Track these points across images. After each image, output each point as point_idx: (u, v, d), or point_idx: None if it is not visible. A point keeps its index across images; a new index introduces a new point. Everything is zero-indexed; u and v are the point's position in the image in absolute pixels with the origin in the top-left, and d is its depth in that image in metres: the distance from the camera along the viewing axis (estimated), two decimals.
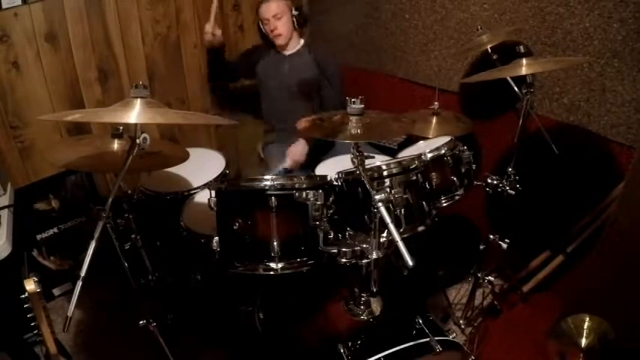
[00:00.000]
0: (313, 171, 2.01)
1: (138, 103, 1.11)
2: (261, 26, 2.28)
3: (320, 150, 2.30)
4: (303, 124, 1.34)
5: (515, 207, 1.65)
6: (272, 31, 2.22)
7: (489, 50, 1.81)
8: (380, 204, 1.08)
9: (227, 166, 2.00)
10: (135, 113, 1.07)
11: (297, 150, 2.21)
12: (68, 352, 1.79)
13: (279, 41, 2.27)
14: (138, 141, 1.14)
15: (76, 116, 1.16)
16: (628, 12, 1.62)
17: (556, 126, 1.93)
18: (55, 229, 2.18)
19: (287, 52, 2.34)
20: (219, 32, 2.36)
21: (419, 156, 1.46)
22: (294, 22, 2.25)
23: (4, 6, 1.96)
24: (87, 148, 1.44)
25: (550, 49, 1.88)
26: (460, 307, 2.00)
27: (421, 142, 1.89)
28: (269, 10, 2.19)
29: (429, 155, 1.51)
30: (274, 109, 2.40)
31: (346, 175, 1.36)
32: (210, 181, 1.39)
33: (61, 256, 2.23)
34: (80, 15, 2.19)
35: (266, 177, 1.26)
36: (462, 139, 1.68)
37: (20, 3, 2.00)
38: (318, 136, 1.29)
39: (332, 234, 1.31)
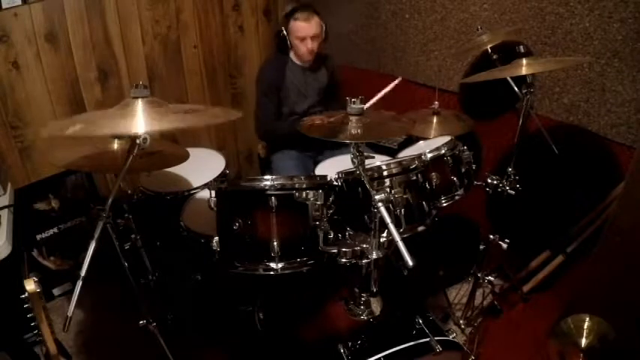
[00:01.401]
0: (313, 171, 2.01)
1: (139, 103, 1.11)
2: (289, 39, 2.15)
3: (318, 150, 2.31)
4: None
5: (515, 207, 1.65)
6: (309, 50, 2.13)
7: (489, 50, 1.81)
8: (380, 204, 1.08)
9: (227, 166, 2.00)
10: (138, 120, 1.06)
11: None
12: (68, 352, 1.79)
13: (308, 59, 2.20)
14: (138, 141, 1.13)
15: (76, 128, 1.14)
16: (628, 12, 1.62)
17: (556, 126, 1.93)
18: (55, 229, 2.18)
19: (305, 65, 2.28)
20: None
21: (419, 156, 1.46)
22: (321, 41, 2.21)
23: (4, 6, 1.96)
24: (87, 148, 1.44)
25: (550, 49, 1.88)
26: (460, 307, 2.00)
27: (421, 142, 1.89)
28: (310, 29, 2.09)
29: (429, 155, 1.51)
30: (289, 116, 2.35)
31: (346, 175, 1.36)
32: (210, 181, 1.39)
33: (61, 256, 2.23)
34: (80, 15, 2.19)
35: (266, 177, 1.26)
36: (462, 139, 1.68)
37: (20, 3, 2.00)
38: (318, 136, 1.29)
39: (332, 234, 1.30)
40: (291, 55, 2.27)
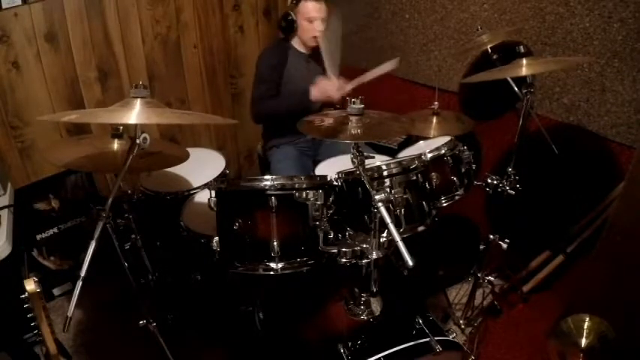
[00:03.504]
0: (313, 171, 2.01)
1: (137, 103, 1.11)
2: (297, 21, 2.13)
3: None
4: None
5: (515, 207, 1.65)
6: (317, 31, 2.10)
7: (489, 50, 1.81)
8: (380, 204, 1.08)
9: (227, 166, 2.00)
10: (133, 113, 1.07)
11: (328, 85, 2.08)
12: (68, 352, 1.79)
13: (313, 43, 2.17)
14: (138, 141, 1.13)
15: (72, 117, 1.16)
16: (628, 12, 1.62)
17: (556, 126, 1.93)
18: (55, 229, 2.18)
19: (307, 52, 2.27)
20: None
21: (419, 156, 1.46)
22: None
23: (4, 6, 1.96)
24: (87, 148, 1.43)
25: (550, 49, 1.88)
26: (460, 307, 2.00)
27: (421, 142, 1.90)
28: (320, 11, 2.10)
29: (429, 155, 1.51)
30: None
31: (346, 175, 1.36)
32: (210, 181, 1.39)
33: (61, 256, 2.23)
34: (80, 15, 2.19)
35: (266, 177, 1.26)
36: (462, 139, 1.68)
37: (20, 3, 2.00)
38: (318, 136, 1.29)
39: (332, 234, 1.31)
40: (294, 42, 2.25)
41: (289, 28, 2.16)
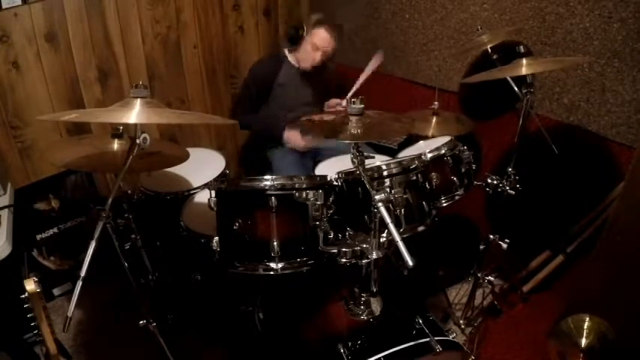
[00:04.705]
0: (313, 171, 2.01)
1: (137, 103, 1.11)
2: (305, 40, 2.16)
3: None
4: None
5: (515, 207, 1.65)
6: (314, 61, 2.16)
7: (489, 50, 1.81)
8: (380, 204, 1.08)
9: (227, 166, 2.00)
10: (133, 113, 1.07)
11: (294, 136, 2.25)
12: (68, 352, 1.79)
13: (306, 68, 2.22)
14: (138, 141, 1.14)
15: (72, 116, 1.16)
16: (628, 12, 1.62)
17: (556, 126, 1.93)
18: (55, 229, 2.18)
19: (301, 69, 2.29)
20: None
21: (419, 156, 1.46)
22: None
23: (4, 6, 1.96)
24: (87, 148, 1.43)
25: (550, 49, 1.88)
26: (460, 307, 2.00)
27: (421, 142, 1.90)
28: (328, 44, 2.14)
29: (429, 155, 1.51)
30: (285, 115, 2.36)
31: (346, 175, 1.37)
32: (210, 181, 1.39)
33: (61, 256, 2.23)
34: (80, 15, 2.19)
35: (266, 177, 1.26)
36: (462, 139, 1.69)
37: (20, 3, 2.00)
38: (319, 136, 1.29)
39: (332, 234, 1.31)
40: (290, 56, 2.26)
41: (294, 40, 2.18)
